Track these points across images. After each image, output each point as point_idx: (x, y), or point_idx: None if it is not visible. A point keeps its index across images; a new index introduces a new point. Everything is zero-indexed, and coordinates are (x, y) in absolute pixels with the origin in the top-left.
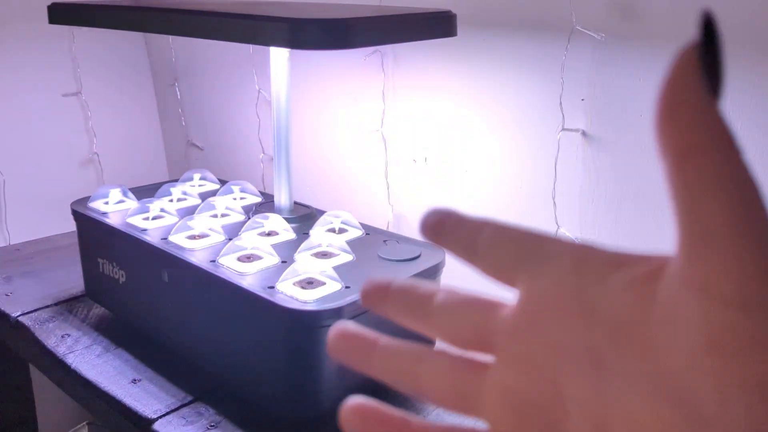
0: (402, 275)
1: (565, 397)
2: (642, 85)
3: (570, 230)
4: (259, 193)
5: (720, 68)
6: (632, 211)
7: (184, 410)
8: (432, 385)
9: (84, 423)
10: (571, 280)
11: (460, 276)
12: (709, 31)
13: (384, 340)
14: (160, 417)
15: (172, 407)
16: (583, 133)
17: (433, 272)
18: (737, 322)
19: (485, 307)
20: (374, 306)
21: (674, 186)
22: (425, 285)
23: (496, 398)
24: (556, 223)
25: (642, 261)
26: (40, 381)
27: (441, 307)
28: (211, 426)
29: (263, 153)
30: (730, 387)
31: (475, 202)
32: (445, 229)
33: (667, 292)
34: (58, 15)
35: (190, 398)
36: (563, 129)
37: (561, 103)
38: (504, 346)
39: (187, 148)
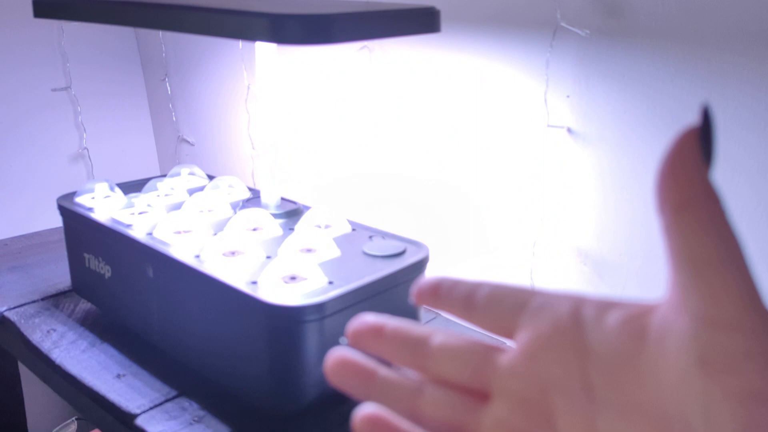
0: (387, 270)
1: (558, 431)
2: (627, 81)
3: (554, 227)
4: (247, 189)
5: (712, 146)
6: (617, 208)
7: (168, 405)
8: (431, 415)
9: (73, 418)
10: (568, 322)
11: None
12: (707, 118)
13: (383, 370)
14: (144, 412)
15: (156, 402)
16: (569, 130)
17: (417, 268)
18: (723, 341)
19: (483, 350)
20: (366, 345)
21: (671, 231)
22: (420, 326)
23: (493, 430)
24: (540, 220)
25: (633, 303)
26: (29, 376)
27: (440, 348)
28: (195, 421)
29: (253, 149)
30: (717, 399)
31: (460, 198)
32: (441, 293)
33: (660, 321)
34: (42, 8)
35: (173, 393)
36: (548, 126)
37: (546, 99)
38: (502, 385)
39: (177, 144)
